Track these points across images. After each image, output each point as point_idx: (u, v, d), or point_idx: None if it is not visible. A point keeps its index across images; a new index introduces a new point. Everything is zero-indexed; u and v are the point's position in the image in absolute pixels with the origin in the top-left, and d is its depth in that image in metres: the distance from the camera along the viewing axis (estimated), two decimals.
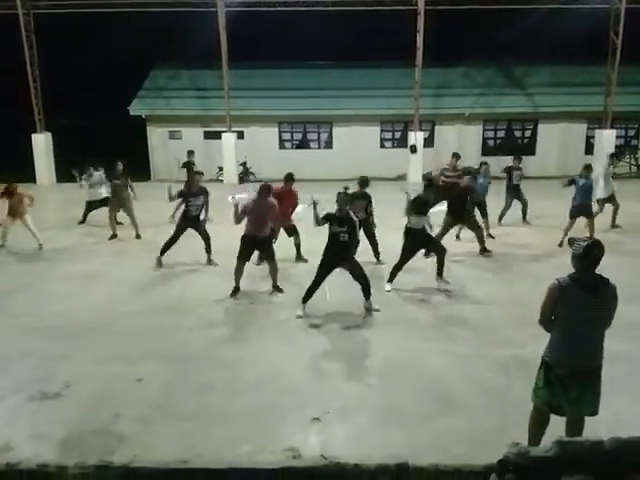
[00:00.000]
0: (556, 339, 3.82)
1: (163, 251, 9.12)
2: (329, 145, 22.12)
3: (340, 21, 22.84)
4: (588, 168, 10.26)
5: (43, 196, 14.85)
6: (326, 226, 6.90)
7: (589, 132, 21.34)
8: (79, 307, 7.51)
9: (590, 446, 2.05)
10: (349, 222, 6.79)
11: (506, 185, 12.02)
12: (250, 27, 23.37)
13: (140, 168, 21.15)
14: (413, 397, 5.07)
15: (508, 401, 4.86)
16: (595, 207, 10.75)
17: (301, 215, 9.63)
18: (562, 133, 21.62)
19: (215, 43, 18.96)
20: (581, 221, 10.23)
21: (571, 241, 3.82)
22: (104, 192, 12.12)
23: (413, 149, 19.45)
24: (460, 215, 9.57)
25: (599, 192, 11.39)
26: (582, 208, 10.15)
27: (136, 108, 21.45)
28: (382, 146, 22.08)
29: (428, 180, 8.49)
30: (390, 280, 8.03)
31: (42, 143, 19.65)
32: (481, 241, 9.79)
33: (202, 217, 9.22)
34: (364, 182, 9.02)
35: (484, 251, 9.78)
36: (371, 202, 9.04)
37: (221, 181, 19.82)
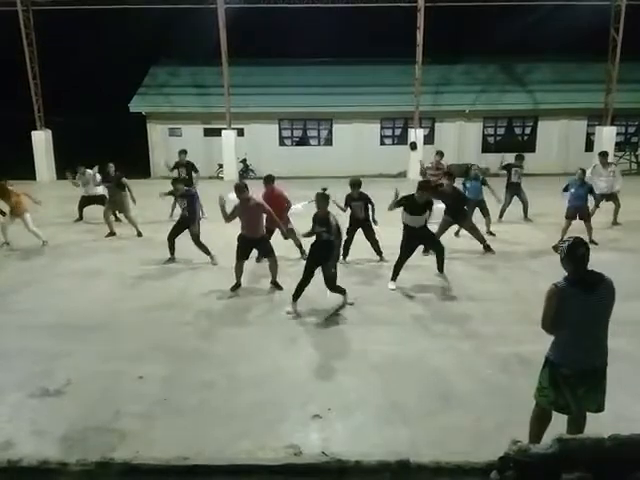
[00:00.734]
0: (561, 339, 3.81)
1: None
2: (329, 142, 22.08)
3: (340, 18, 22.79)
4: (582, 173, 10.23)
5: (43, 193, 14.83)
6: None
7: (589, 129, 21.30)
8: (80, 304, 7.51)
9: (590, 444, 2.05)
10: (327, 224, 6.86)
11: (506, 182, 12.02)
12: (250, 24, 23.33)
13: (140, 165, 21.17)
14: (414, 394, 5.07)
15: (509, 398, 4.86)
16: (591, 205, 10.67)
17: (300, 211, 9.62)
18: (562, 130, 21.60)
19: (215, 40, 18.91)
20: (580, 222, 10.23)
21: (555, 248, 3.84)
22: (100, 190, 12.07)
23: (413, 146, 19.42)
24: (456, 216, 9.60)
25: (602, 186, 11.35)
26: (577, 208, 10.15)
27: (136, 105, 21.42)
28: (382, 143, 22.05)
29: (420, 183, 8.33)
30: (393, 278, 8.02)
31: (42, 140, 19.62)
32: (481, 240, 9.79)
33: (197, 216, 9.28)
34: (355, 184, 8.90)
35: (487, 249, 9.77)
36: (370, 201, 8.99)
37: (221, 178, 19.81)
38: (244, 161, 20.73)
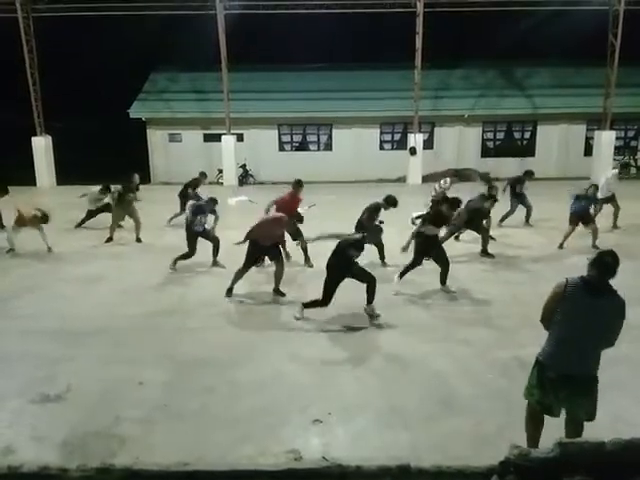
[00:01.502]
0: (552, 340, 3.83)
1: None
2: (329, 147, 22.13)
3: (339, 23, 22.88)
4: (595, 190, 10.43)
5: (43, 199, 14.85)
6: (329, 229, 6.98)
7: (588, 133, 21.32)
8: (81, 309, 7.52)
9: (591, 448, 2.05)
10: (362, 248, 6.96)
11: (510, 192, 12.06)
12: (249, 30, 23.42)
13: (140, 171, 21.15)
14: (415, 398, 5.07)
15: (510, 402, 4.85)
16: (591, 209, 10.72)
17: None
18: (562, 134, 21.64)
19: (215, 46, 18.98)
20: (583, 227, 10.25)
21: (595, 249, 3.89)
22: (106, 199, 12.18)
23: (413, 151, 19.45)
24: (471, 224, 9.81)
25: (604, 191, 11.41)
26: (580, 214, 10.20)
27: (136, 111, 21.48)
28: (382, 148, 22.10)
29: (451, 200, 8.55)
30: (400, 276, 8.06)
31: (42, 146, 19.64)
32: (485, 243, 9.84)
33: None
34: (392, 202, 8.91)
35: (485, 253, 9.79)
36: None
37: (221, 184, 19.82)
38: (244, 166, 20.76)
